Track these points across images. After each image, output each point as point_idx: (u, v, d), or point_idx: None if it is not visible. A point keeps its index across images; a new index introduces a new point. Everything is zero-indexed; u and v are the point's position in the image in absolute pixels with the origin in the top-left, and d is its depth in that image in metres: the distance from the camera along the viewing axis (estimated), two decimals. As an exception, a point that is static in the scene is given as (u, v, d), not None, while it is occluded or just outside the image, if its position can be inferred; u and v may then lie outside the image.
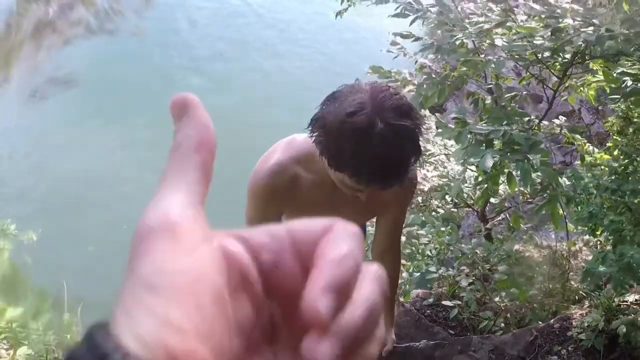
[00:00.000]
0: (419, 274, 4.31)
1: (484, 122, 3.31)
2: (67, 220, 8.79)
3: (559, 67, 3.73)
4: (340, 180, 1.73)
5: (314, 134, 1.69)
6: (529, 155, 3.12)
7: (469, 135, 3.10)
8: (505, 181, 3.49)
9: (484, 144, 3.05)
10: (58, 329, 4.84)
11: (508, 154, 3.07)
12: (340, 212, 2.09)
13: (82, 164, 9.68)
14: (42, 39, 11.32)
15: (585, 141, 4.54)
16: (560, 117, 4.52)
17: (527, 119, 3.51)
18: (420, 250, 4.52)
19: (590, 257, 4.12)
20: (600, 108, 8.95)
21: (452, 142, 5.96)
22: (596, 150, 4.50)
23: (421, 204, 5.15)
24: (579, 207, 3.24)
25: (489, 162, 2.93)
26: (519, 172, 3.25)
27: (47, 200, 9.06)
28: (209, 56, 11.97)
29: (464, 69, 3.81)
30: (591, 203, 3.11)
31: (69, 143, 10.00)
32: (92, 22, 11.68)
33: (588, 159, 4.18)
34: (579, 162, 4.38)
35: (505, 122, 3.29)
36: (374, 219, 2.38)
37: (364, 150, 1.57)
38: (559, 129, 4.07)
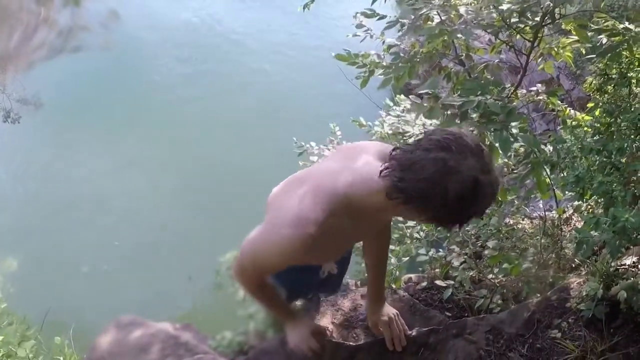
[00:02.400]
0: (408, 258, 4.18)
1: (457, 94, 3.17)
2: (56, 242, 8.64)
3: (529, 30, 3.60)
4: (423, 220, 1.87)
5: (429, 212, 1.76)
6: (506, 124, 3.00)
7: (441, 110, 2.96)
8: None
9: (459, 117, 2.92)
10: (48, 353, 4.71)
11: (484, 124, 2.94)
12: (357, 239, 2.43)
13: (63, 184, 9.54)
14: (6, 65, 11.17)
15: (567, 106, 4.42)
16: (538, 85, 4.40)
17: (501, 87, 3.37)
18: (408, 234, 4.39)
19: (582, 223, 4.01)
20: (578, 73, 8.87)
21: (433, 121, 5.87)
22: (578, 114, 4.39)
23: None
24: (564, 172, 3.12)
25: (466, 135, 2.80)
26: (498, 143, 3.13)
27: (31, 224, 8.90)
28: (179, 65, 11.82)
29: (432, 44, 3.68)
30: (577, 166, 2.98)
31: (50, 164, 9.87)
32: (56, 42, 11.51)
33: (570, 123, 4.06)
34: (561, 127, 4.26)
35: (479, 93, 3.16)
36: None
37: (482, 207, 1.77)
38: (536, 94, 3.94)
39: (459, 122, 2.89)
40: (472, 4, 3.57)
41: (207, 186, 9.31)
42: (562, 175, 3.19)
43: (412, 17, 3.56)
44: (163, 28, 12.51)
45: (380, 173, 1.77)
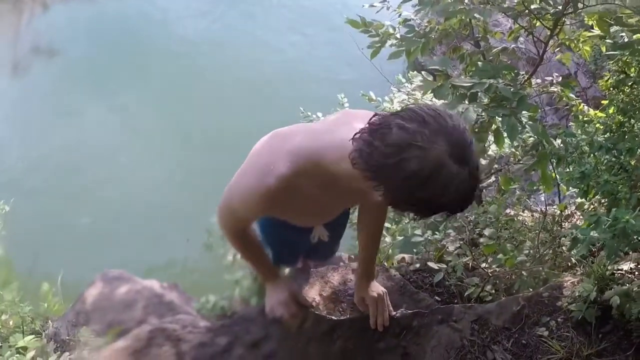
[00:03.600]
0: (402, 237, 4.12)
1: (469, 76, 3.08)
2: (53, 194, 8.61)
3: (549, 17, 3.49)
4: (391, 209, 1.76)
5: (379, 186, 1.59)
6: (516, 111, 2.91)
7: (451, 90, 2.87)
8: (493, 139, 3.27)
9: (468, 99, 2.82)
10: (34, 298, 4.70)
11: (493, 108, 2.84)
12: (332, 206, 2.24)
13: (70, 136, 9.48)
14: (22, 8, 11.03)
15: (580, 101, 4.32)
16: (554, 75, 4.29)
17: (515, 72, 3.27)
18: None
19: (583, 222, 3.94)
20: (596, 71, 8.73)
21: (442, 101, 5.76)
22: (592, 110, 4.30)
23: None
24: (570, 167, 3.03)
25: (472, 116, 2.72)
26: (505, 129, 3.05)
27: (34, 174, 8.87)
28: (191, 17, 11.70)
29: (449, 21, 3.58)
30: (584, 162, 2.89)
31: (56, 115, 9.80)
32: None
33: (583, 118, 3.97)
34: (572, 123, 4.16)
35: (491, 77, 3.06)
36: None
37: (453, 198, 1.54)
38: (551, 85, 3.83)
39: (467, 103, 2.79)
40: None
41: (211, 149, 9.23)
42: (567, 170, 3.09)
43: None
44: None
45: (352, 137, 1.64)
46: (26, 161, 9.00)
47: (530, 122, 2.88)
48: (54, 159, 9.10)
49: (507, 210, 4.37)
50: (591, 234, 2.51)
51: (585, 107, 4.36)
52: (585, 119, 3.69)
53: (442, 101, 2.93)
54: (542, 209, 4.22)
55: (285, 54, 11.12)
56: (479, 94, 2.93)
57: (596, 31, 3.71)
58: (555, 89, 3.97)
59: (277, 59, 10.97)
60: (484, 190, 4.94)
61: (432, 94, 4.72)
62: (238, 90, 10.16)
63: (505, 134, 3.02)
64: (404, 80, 5.88)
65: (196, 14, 11.88)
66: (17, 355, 3.36)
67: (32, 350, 3.42)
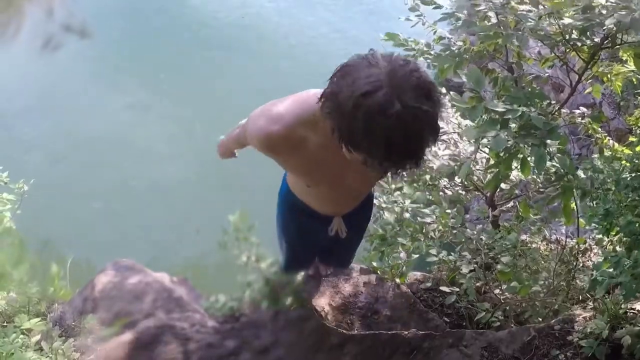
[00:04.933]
0: (417, 255, 4.10)
1: (501, 100, 3.06)
2: (72, 174, 8.65)
3: (586, 49, 3.47)
4: (350, 156, 1.67)
5: (325, 110, 1.61)
6: (545, 141, 2.89)
7: (483, 113, 2.85)
8: (519, 167, 3.24)
9: (499, 124, 2.81)
10: (42, 280, 4.71)
11: (523, 136, 2.82)
12: (344, 174, 2.20)
13: (92, 120, 9.50)
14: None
15: (606, 134, 4.29)
16: (580, 107, 4.27)
17: (547, 102, 3.25)
18: (423, 230, 4.29)
19: (599, 256, 3.91)
20: (622, 103, 8.66)
21: (468, 121, 5.73)
22: (617, 144, 4.26)
23: (429, 183, 4.90)
24: (594, 203, 3.00)
25: (502, 143, 2.70)
26: (533, 158, 3.03)
27: (53, 154, 8.91)
28: (227, 15, 11.72)
29: (484, 44, 3.56)
30: (608, 200, 2.86)
31: (80, 96, 9.83)
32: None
33: (607, 153, 3.94)
34: (596, 155, 4.13)
35: (523, 104, 3.04)
36: None
37: (380, 134, 1.48)
38: (580, 117, 3.81)
39: (498, 128, 2.77)
40: (533, 12, 3.42)
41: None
42: (590, 205, 3.07)
43: (467, 12, 3.43)
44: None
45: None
46: (45, 139, 9.05)
47: (559, 154, 2.86)
48: (73, 139, 9.15)
49: (523, 237, 4.34)
50: (610, 273, 2.50)
51: (611, 141, 4.32)
52: (610, 153, 3.67)
53: (468, 122, 2.92)
54: (560, 238, 4.18)
55: (315, 58, 11.12)
56: (510, 120, 2.91)
57: (630, 66, 3.69)
58: (583, 121, 3.94)
59: (305, 64, 10.99)
60: (500, 214, 4.90)
61: (458, 112, 4.73)
62: (262, 91, 10.16)
63: (532, 163, 2.99)
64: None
65: (236, 5, 11.92)
66: (22, 336, 3.36)
67: (37, 334, 3.41)
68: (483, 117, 2.89)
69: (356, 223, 2.82)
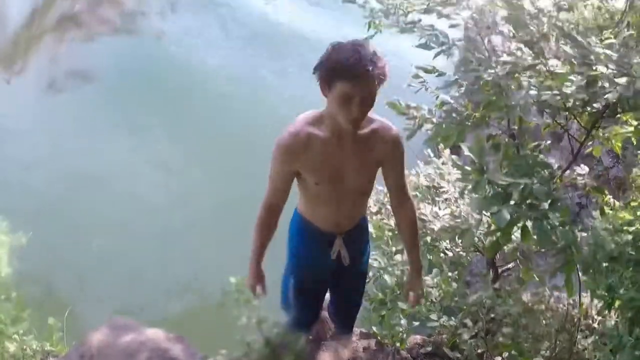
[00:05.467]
0: (418, 323, 4.06)
1: (504, 171, 3.06)
2: (69, 218, 8.64)
3: (587, 118, 3.48)
4: (338, 100, 2.48)
5: (317, 73, 2.53)
6: (547, 212, 2.88)
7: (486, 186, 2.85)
8: (520, 234, 3.23)
9: (502, 199, 2.80)
10: (39, 333, 4.66)
11: (525, 209, 2.82)
12: (346, 169, 2.78)
13: (92, 161, 9.53)
14: (65, 32, 11.19)
15: (609, 195, 4.27)
16: (582, 165, 4.25)
17: (549, 171, 3.25)
18: (425, 295, 4.24)
19: (600, 319, 3.89)
20: (624, 160, 8.66)
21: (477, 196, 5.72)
22: (617, 203, 4.24)
23: (429, 244, 4.88)
24: (596, 275, 2.97)
25: (506, 218, 2.70)
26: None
27: (52, 195, 8.90)
28: (229, 62, 11.83)
29: (486, 110, 3.57)
30: (611, 273, 2.84)
31: (82, 138, 9.87)
32: (117, 21, 11.55)
33: (608, 211, 3.92)
34: (596, 212, 4.10)
35: (526, 173, 3.05)
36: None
37: (342, 55, 2.42)
38: (581, 178, 3.81)
39: (501, 203, 2.77)
40: (535, 78, 3.44)
41: (233, 191, 9.24)
42: (593, 277, 3.04)
43: (473, 81, 3.45)
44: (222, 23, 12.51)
45: None
46: (44, 181, 9.07)
47: (562, 228, 2.84)
48: (70, 181, 9.16)
49: (525, 297, 4.30)
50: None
51: (611, 199, 4.29)
52: (614, 224, 3.65)
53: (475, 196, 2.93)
54: (562, 304, 4.14)
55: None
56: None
57: (629, 127, 3.70)
58: (588, 187, 3.93)
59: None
60: (501, 275, 4.88)
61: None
62: (263, 136, 10.18)
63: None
64: (431, 154, 5.85)
65: (236, 63, 12.03)
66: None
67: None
68: (490, 190, 2.90)
69: (355, 245, 3.19)
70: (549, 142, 3.73)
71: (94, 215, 8.76)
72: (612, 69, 3.16)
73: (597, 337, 3.66)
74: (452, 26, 3.77)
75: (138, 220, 8.79)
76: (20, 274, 4.90)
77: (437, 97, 3.90)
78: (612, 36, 3.54)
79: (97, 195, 9.04)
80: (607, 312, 3.35)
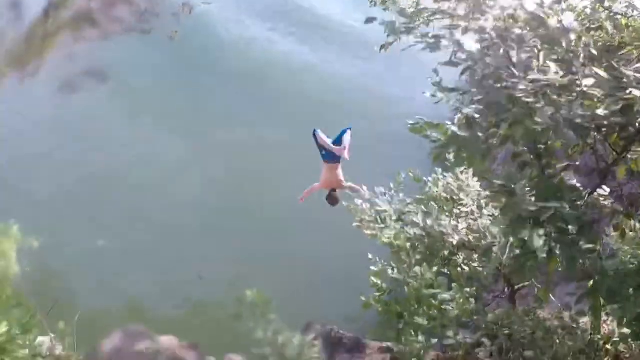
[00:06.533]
0: (436, 340, 4.01)
1: (532, 193, 2.98)
2: (82, 215, 8.62)
3: (619, 140, 3.40)
4: None
5: None
6: (577, 239, 2.81)
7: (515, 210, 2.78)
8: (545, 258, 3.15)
9: (531, 222, 2.73)
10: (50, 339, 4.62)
11: (555, 235, 2.74)
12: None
13: (105, 159, 9.51)
14: (79, 31, 11.14)
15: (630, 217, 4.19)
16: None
17: (577, 194, 3.18)
18: (442, 310, 4.17)
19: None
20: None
21: (487, 192, 5.62)
22: (637, 225, 4.16)
23: (447, 257, 4.80)
24: (625, 304, 2.90)
25: (538, 243, 2.62)
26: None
27: (63, 194, 8.89)
28: (238, 65, 11.80)
29: (512, 129, 3.49)
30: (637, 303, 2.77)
31: (95, 136, 9.86)
32: (131, 21, 11.49)
33: (629, 233, 3.84)
34: (612, 232, 4.03)
35: (553, 196, 2.97)
36: None
37: None
38: (612, 210, 3.71)
39: (529, 225, 2.70)
40: (564, 97, 3.35)
41: (245, 192, 9.23)
42: (620, 306, 2.96)
43: (491, 94, 3.38)
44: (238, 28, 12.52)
45: None
46: (53, 179, 9.05)
47: (590, 255, 2.77)
48: (80, 180, 9.14)
49: (543, 314, 4.24)
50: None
51: (633, 223, 4.21)
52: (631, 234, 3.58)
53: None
54: (581, 327, 4.07)
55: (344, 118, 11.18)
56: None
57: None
58: (606, 202, 3.84)
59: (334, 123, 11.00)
60: (518, 292, 4.81)
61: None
62: (281, 145, 10.16)
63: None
64: (452, 159, 5.68)
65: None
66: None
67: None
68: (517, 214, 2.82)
69: None
70: (577, 162, 3.65)
71: (103, 210, 8.76)
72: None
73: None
74: (478, 41, 3.69)
75: (149, 215, 8.79)
76: (31, 277, 4.89)
77: (461, 111, 3.81)
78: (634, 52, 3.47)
79: (108, 194, 9.03)
80: (635, 340, 3.28)
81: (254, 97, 11.06)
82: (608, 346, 3.95)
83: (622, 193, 8.95)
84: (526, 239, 2.63)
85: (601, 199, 3.99)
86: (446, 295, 4.03)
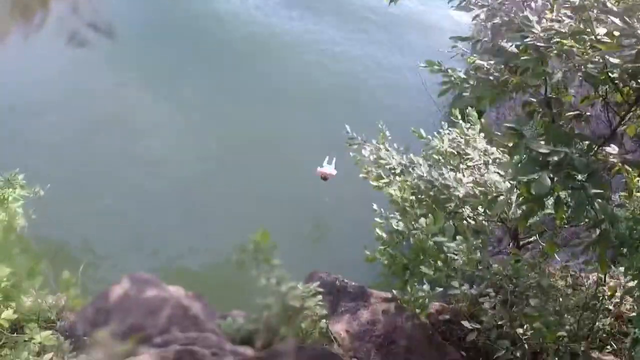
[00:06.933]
0: (441, 289, 4.02)
1: (541, 138, 2.95)
2: (87, 171, 8.63)
3: (631, 92, 3.36)
4: None
5: None
6: (586, 184, 2.78)
7: (524, 151, 2.76)
8: (553, 206, 3.14)
9: (539, 164, 2.71)
10: (54, 287, 4.64)
11: (563, 178, 2.71)
12: None
13: (111, 116, 9.50)
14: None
15: (637, 176, 4.16)
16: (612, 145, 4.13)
17: (588, 143, 3.15)
18: (447, 261, 4.17)
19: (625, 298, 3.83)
20: (645, 138, 8.52)
21: (493, 149, 5.64)
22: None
23: (452, 210, 4.79)
24: (632, 254, 2.89)
25: (546, 185, 2.59)
26: (569, 199, 2.95)
27: (69, 150, 8.90)
28: (253, 15, 11.71)
29: (524, 77, 3.45)
30: (646, 252, 2.76)
31: (101, 93, 9.83)
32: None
33: (636, 194, 3.83)
34: (622, 194, 4.02)
35: (564, 143, 2.94)
36: None
37: None
38: (621, 163, 3.67)
39: (538, 168, 2.68)
40: (577, 48, 3.31)
41: (250, 152, 9.22)
42: (627, 257, 2.95)
43: (511, 45, 3.34)
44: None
45: None
46: (61, 134, 9.04)
47: (599, 200, 2.75)
48: (87, 135, 9.14)
49: (548, 269, 4.24)
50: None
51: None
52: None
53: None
54: (587, 282, 4.08)
55: (351, 69, 11.13)
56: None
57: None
58: (623, 166, 3.81)
59: (340, 72, 10.97)
60: (523, 248, 4.81)
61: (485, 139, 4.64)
62: (290, 98, 10.14)
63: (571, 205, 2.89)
64: (458, 116, 5.70)
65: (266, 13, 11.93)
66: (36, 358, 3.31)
67: (50, 353, 3.32)
68: (526, 155, 2.79)
69: None
70: (588, 113, 3.61)
71: (110, 170, 8.76)
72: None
73: (612, 320, 3.63)
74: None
75: (155, 176, 8.78)
76: (36, 226, 4.91)
77: (473, 62, 3.78)
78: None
79: (114, 151, 9.03)
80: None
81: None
82: (611, 307, 3.97)
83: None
84: (536, 177, 2.60)
85: (610, 156, 3.97)
86: (452, 244, 4.03)
